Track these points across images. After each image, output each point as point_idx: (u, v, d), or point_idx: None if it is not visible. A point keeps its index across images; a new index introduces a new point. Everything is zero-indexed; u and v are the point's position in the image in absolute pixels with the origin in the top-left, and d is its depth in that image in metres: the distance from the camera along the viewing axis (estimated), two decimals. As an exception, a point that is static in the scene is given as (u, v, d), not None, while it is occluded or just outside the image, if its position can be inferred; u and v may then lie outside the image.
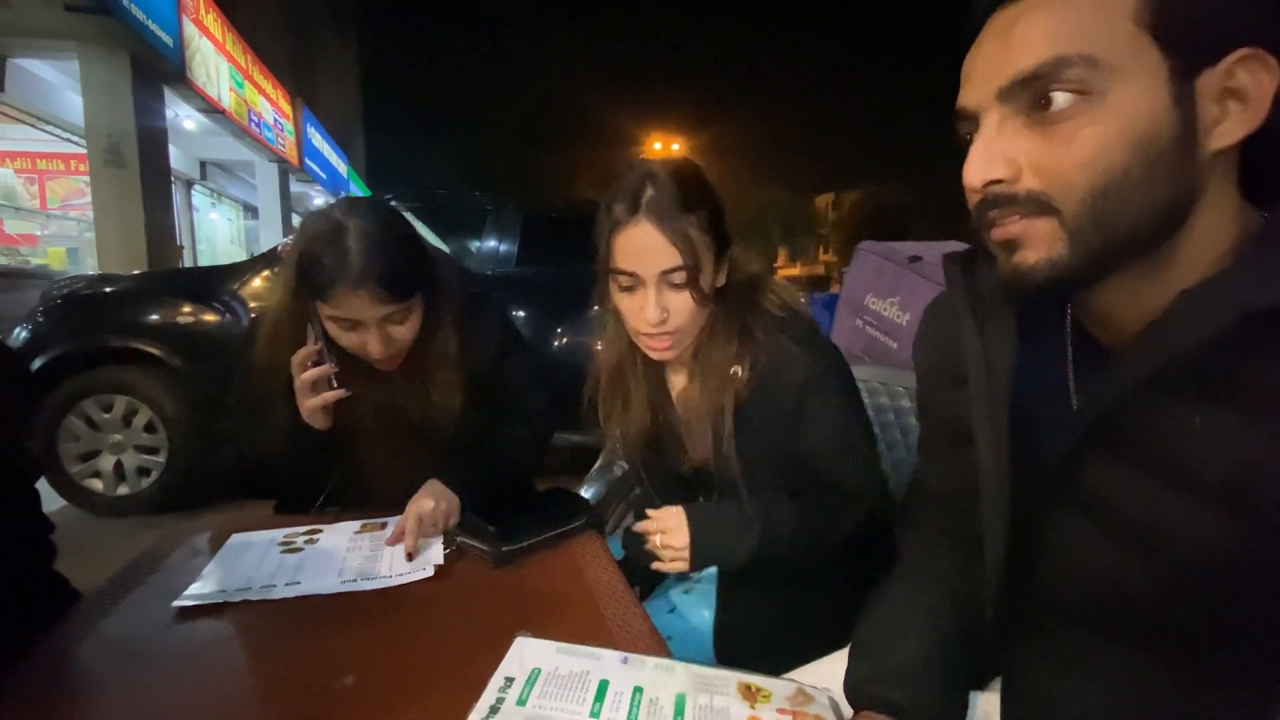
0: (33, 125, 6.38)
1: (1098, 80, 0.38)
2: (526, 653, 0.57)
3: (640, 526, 0.80)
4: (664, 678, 0.55)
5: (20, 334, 2.47)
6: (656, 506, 0.90)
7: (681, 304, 0.76)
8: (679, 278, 0.75)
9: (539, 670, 0.55)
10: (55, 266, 6.12)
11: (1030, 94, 0.40)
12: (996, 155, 0.42)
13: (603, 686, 0.53)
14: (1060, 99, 0.39)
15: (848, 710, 0.54)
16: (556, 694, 0.52)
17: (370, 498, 1.01)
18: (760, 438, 0.79)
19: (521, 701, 0.51)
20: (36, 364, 2.40)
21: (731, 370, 0.79)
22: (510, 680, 0.53)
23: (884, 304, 1.79)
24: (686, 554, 0.76)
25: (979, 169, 0.43)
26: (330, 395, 0.88)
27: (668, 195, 0.74)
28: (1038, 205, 0.41)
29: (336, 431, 0.94)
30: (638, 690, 0.53)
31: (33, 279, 4.46)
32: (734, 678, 0.55)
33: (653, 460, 0.91)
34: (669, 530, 0.77)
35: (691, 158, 0.83)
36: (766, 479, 0.81)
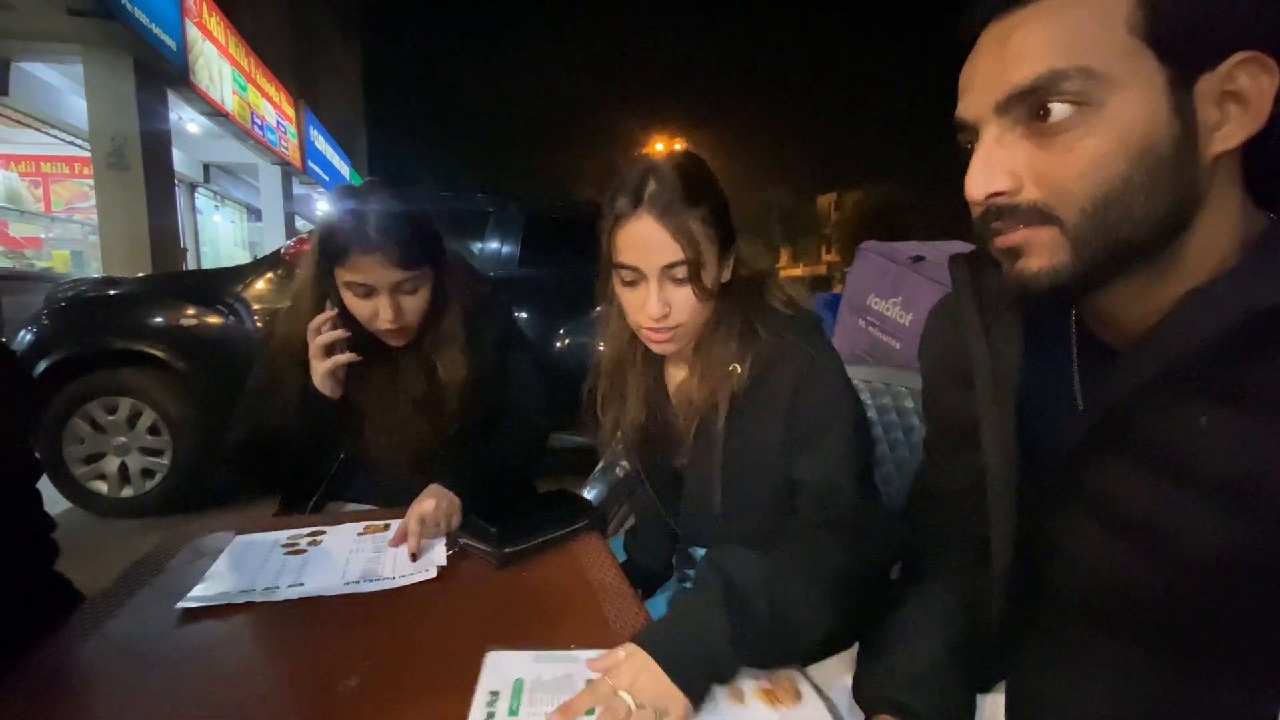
0: (37, 129, 6.42)
1: (1095, 91, 0.38)
2: (503, 665, 0.56)
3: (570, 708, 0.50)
4: None
5: (25, 337, 2.48)
6: (657, 507, 0.90)
7: (684, 299, 0.75)
8: (681, 272, 0.74)
9: (522, 680, 0.54)
10: (60, 269, 6.15)
11: (1028, 106, 0.40)
12: (997, 168, 0.42)
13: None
14: (1059, 110, 0.39)
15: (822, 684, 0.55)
16: (547, 700, 0.51)
17: (374, 478, 1.05)
18: (751, 440, 0.79)
19: (513, 712, 0.50)
20: (42, 366, 2.41)
21: (730, 367, 0.79)
22: (495, 694, 0.52)
23: (886, 304, 1.78)
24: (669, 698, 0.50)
25: (980, 182, 0.43)
26: (342, 358, 0.96)
27: (670, 189, 0.73)
28: (1039, 215, 0.41)
29: (344, 407, 1.00)
30: None
31: (38, 282, 4.48)
32: None
33: (651, 460, 0.91)
34: (620, 674, 0.51)
35: (695, 151, 0.82)
36: (746, 493, 0.80)
